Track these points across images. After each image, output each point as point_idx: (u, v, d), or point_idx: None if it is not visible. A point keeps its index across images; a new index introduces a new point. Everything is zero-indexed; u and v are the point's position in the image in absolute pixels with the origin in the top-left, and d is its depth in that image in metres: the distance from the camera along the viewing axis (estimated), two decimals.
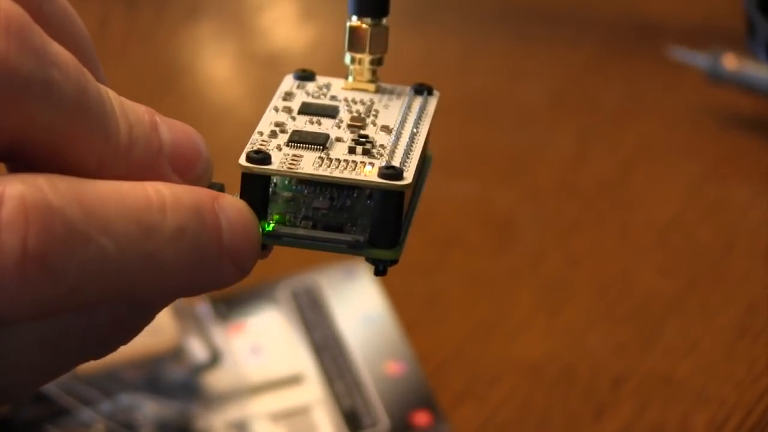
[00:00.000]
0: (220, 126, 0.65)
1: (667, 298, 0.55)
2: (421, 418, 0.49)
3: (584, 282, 0.56)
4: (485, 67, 0.73)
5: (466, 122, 0.67)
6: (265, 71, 0.73)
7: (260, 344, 0.52)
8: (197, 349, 0.52)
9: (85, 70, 0.26)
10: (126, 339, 0.28)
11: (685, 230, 0.59)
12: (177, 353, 0.51)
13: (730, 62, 0.65)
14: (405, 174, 0.29)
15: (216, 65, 0.76)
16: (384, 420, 0.49)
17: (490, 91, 0.70)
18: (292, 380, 0.51)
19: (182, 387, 0.50)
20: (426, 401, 0.50)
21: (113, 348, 0.28)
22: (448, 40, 0.75)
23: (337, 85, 0.33)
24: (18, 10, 0.24)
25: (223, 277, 0.28)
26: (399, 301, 0.53)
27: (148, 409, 0.49)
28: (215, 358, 0.51)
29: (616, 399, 0.50)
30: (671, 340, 0.53)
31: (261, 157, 0.29)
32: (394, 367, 0.51)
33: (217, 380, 0.51)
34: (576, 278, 0.56)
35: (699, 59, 0.66)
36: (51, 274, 0.24)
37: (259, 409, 0.50)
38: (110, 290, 0.25)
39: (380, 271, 0.30)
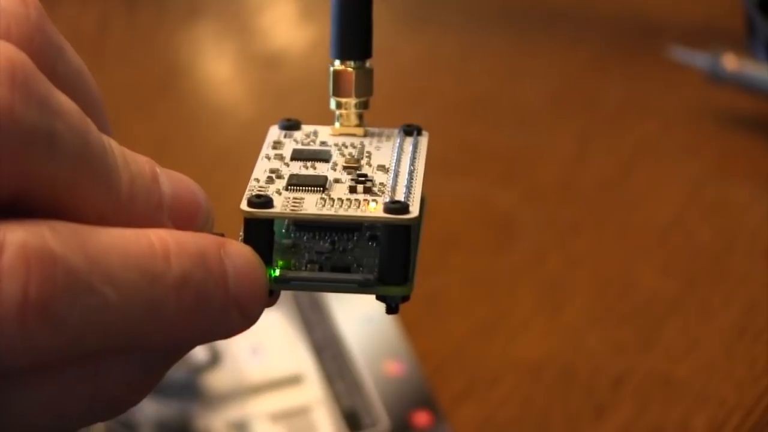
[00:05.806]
0: (220, 126, 0.65)
1: (667, 298, 0.55)
2: (421, 418, 0.49)
3: (584, 282, 0.56)
4: (485, 67, 0.73)
5: (466, 122, 0.67)
6: (265, 71, 0.73)
7: (260, 344, 0.52)
8: (197, 349, 0.52)
9: (88, 120, 0.25)
10: (135, 401, 0.27)
11: (685, 230, 0.59)
12: None
13: (730, 62, 0.65)
14: (411, 208, 0.28)
15: (216, 65, 0.76)
16: (384, 420, 0.49)
17: (490, 91, 0.70)
18: (292, 380, 0.51)
19: (182, 387, 0.50)
20: (426, 401, 0.50)
21: (122, 410, 0.27)
22: (448, 40, 0.75)
23: (324, 132, 0.32)
24: (23, 59, 0.24)
25: (229, 326, 0.27)
26: None
27: (148, 409, 0.49)
28: (215, 358, 0.51)
29: (616, 399, 0.50)
30: (671, 340, 0.53)
31: (263, 201, 0.28)
32: (394, 367, 0.51)
33: (217, 380, 0.51)
34: (576, 278, 0.56)
35: (699, 59, 0.66)
36: (52, 323, 0.24)
37: (259, 409, 0.50)
38: (112, 339, 0.25)
39: (392, 308, 0.29)
